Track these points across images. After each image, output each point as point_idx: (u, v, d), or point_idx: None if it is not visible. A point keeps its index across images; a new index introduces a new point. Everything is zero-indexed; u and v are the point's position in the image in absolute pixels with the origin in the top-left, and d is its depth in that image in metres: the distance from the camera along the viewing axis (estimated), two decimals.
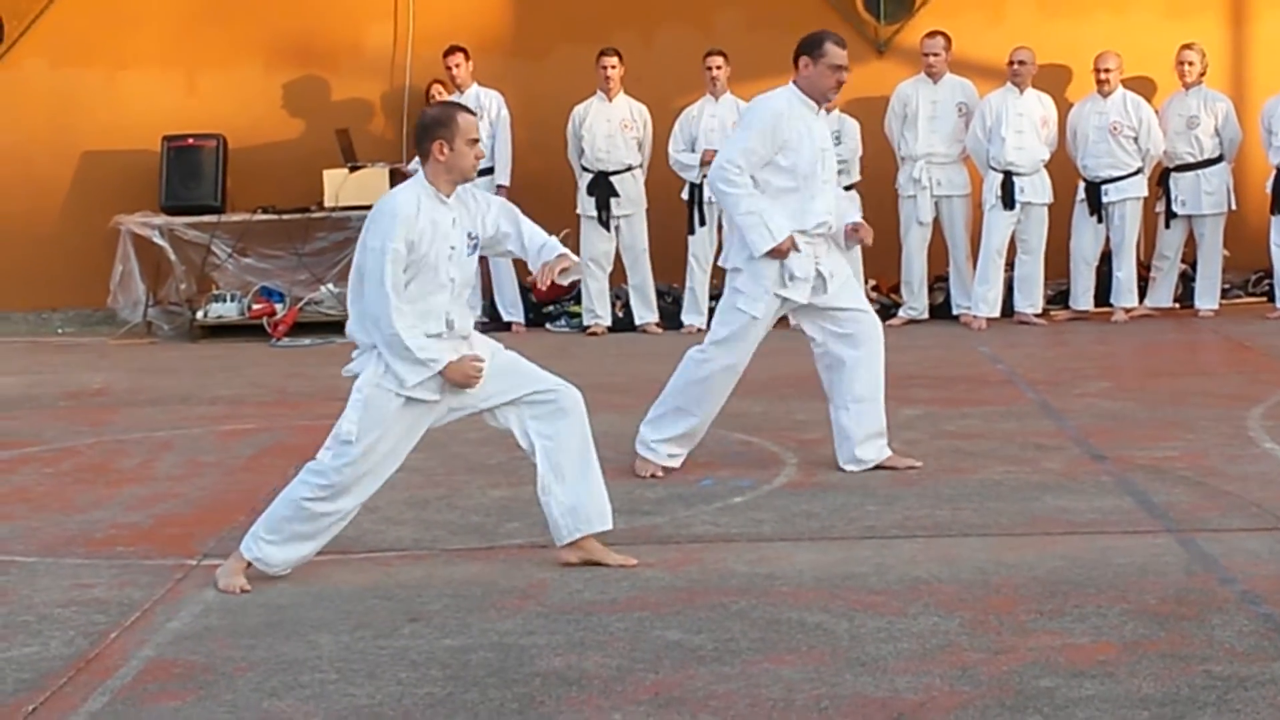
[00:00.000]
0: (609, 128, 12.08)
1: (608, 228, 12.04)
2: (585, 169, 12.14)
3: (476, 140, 5.39)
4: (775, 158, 6.79)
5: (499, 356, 5.52)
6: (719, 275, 12.17)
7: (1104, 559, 5.42)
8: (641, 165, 12.18)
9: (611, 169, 12.05)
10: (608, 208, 12.02)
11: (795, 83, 6.88)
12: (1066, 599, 5.00)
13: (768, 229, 6.75)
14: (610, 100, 12.13)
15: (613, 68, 12.07)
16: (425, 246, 5.30)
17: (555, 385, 5.53)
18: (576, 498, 5.52)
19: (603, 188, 12.03)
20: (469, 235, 5.45)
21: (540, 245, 5.57)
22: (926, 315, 12.12)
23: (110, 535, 6.25)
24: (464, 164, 5.38)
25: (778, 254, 6.76)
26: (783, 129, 6.79)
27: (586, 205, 12.09)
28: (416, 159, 13.47)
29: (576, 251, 11.65)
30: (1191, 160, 11.87)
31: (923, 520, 6.10)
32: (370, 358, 5.35)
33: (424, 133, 5.41)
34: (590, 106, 12.14)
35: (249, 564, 5.43)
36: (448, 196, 5.40)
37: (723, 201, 7.03)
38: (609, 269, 12.13)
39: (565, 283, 5.81)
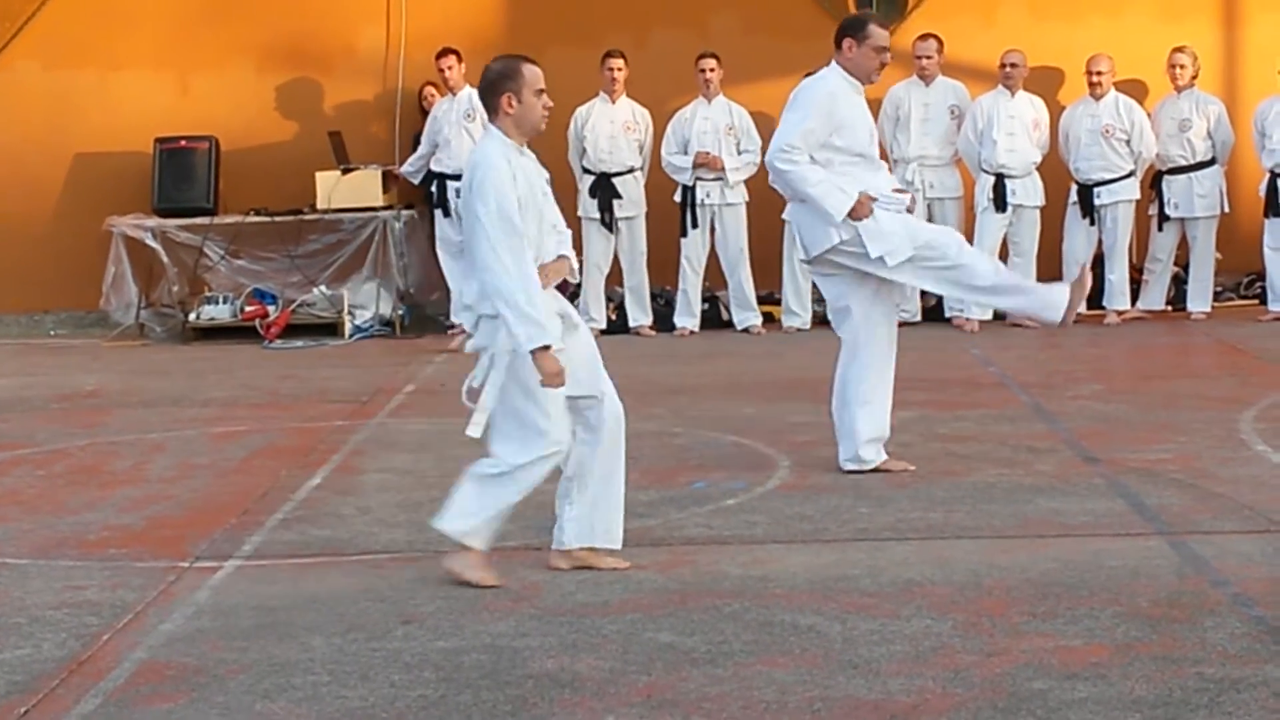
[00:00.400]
0: (611, 129, 12.05)
1: (611, 229, 12.03)
2: (587, 170, 12.12)
3: (544, 90, 5.36)
4: (831, 138, 6.75)
5: (592, 345, 5.53)
6: (711, 278, 12.29)
7: (1096, 561, 5.43)
8: (642, 167, 12.17)
9: (614, 170, 12.01)
10: (610, 209, 11.99)
11: (838, 63, 6.85)
12: (1059, 601, 5.00)
13: (842, 191, 6.69)
14: (614, 102, 12.12)
15: (619, 70, 12.04)
16: (524, 191, 5.26)
17: (609, 394, 5.50)
18: (592, 510, 5.50)
19: (605, 189, 11.99)
20: (546, 180, 5.45)
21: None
22: (919, 318, 12.09)
23: (102, 537, 6.24)
24: (533, 115, 5.35)
25: (860, 211, 6.69)
26: (838, 109, 6.77)
27: (589, 207, 12.05)
28: (410, 160, 13.44)
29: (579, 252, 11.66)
30: (1184, 163, 11.87)
31: (915, 523, 6.10)
32: (498, 326, 5.24)
33: (490, 88, 5.34)
34: (593, 108, 12.10)
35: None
36: (521, 149, 5.37)
37: (786, 180, 6.85)
38: (606, 271, 12.12)
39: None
